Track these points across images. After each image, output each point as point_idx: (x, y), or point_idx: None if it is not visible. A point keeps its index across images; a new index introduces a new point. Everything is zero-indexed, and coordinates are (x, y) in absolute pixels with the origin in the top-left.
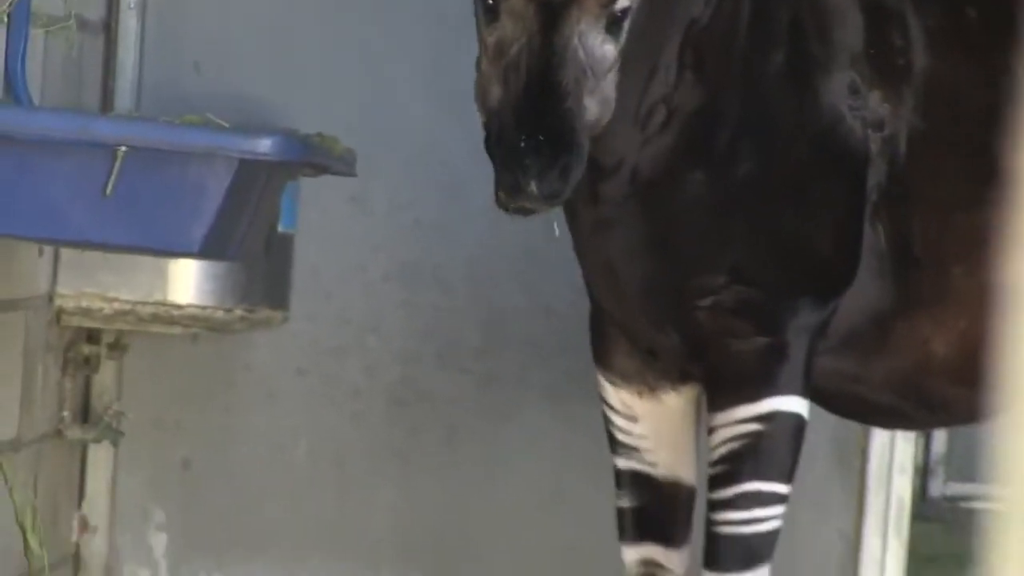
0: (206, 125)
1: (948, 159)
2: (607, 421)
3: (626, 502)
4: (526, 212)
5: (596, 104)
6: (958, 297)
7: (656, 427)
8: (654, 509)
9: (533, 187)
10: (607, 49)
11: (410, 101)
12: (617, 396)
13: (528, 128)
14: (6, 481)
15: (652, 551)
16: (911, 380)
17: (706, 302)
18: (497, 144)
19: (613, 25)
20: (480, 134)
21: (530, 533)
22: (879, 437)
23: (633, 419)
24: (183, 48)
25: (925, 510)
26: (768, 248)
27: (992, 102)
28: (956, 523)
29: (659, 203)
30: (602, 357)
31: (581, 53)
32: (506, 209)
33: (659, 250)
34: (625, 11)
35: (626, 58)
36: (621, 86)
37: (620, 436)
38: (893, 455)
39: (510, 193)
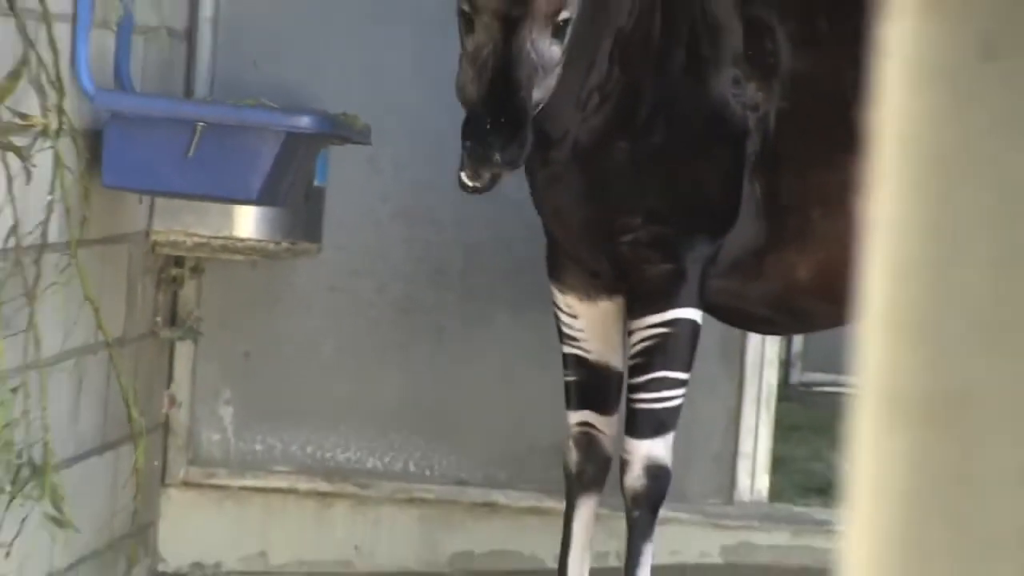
0: (261, 107)
1: (806, 132)
2: (557, 319)
3: (570, 378)
4: (481, 190)
5: (541, 93)
6: (816, 234)
7: (591, 323)
8: (590, 385)
9: (497, 157)
10: (554, 51)
11: (410, 89)
12: (563, 299)
13: (493, 113)
14: (115, 368)
15: (588, 416)
16: (781, 297)
17: (627, 238)
18: (469, 126)
19: (558, 32)
20: (459, 113)
21: (497, 404)
22: (754, 339)
23: (574, 317)
24: (244, 50)
25: (787, 393)
26: (673, 199)
27: (838, 89)
28: (809, 402)
29: (594, 164)
30: (553, 271)
31: (533, 55)
32: (466, 189)
33: (594, 199)
34: (567, 20)
35: (570, 56)
36: (566, 77)
37: (565, 328)
38: (764, 352)
39: (479, 162)
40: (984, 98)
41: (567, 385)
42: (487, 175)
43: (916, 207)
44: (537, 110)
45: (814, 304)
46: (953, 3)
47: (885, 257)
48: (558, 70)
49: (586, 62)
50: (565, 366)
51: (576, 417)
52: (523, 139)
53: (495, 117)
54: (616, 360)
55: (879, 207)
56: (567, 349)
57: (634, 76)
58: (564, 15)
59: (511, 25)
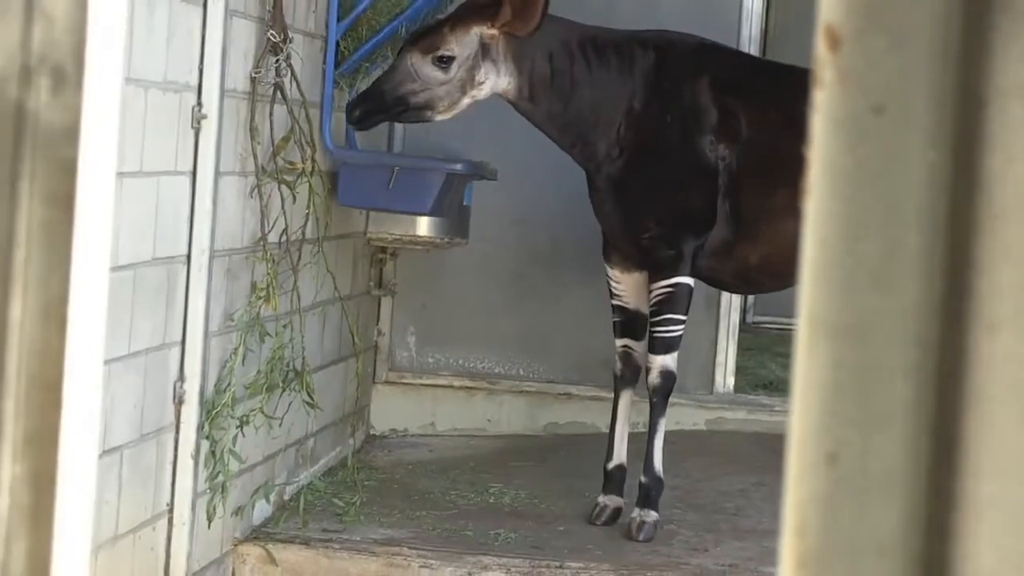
0: (432, 158)
1: (755, 173)
2: (608, 284)
3: (616, 319)
4: (359, 127)
5: (424, 95)
6: (761, 235)
7: (628, 286)
8: (628, 322)
9: (348, 116)
10: (436, 73)
11: (522, 149)
12: (612, 272)
13: (360, 94)
14: (345, 313)
15: (628, 342)
16: (740, 272)
17: (647, 235)
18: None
19: (440, 62)
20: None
21: (572, 334)
22: (725, 295)
23: (619, 282)
24: (423, 127)
25: (745, 328)
26: (675, 211)
27: (778, 151)
28: (758, 333)
29: (621, 189)
30: (606, 256)
31: (412, 71)
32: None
33: (625, 211)
34: (449, 57)
35: (596, 122)
36: (593, 137)
37: (613, 290)
38: (732, 301)
39: (347, 117)
40: (874, 138)
41: (614, 324)
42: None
43: (832, 205)
44: (433, 108)
45: (759, 277)
46: (856, 77)
47: (813, 235)
48: (448, 86)
49: (604, 125)
50: (613, 312)
51: (620, 343)
52: (366, 110)
53: (359, 96)
54: (644, 308)
55: (811, 205)
56: (614, 302)
57: (643, 138)
58: (441, 53)
59: (400, 53)
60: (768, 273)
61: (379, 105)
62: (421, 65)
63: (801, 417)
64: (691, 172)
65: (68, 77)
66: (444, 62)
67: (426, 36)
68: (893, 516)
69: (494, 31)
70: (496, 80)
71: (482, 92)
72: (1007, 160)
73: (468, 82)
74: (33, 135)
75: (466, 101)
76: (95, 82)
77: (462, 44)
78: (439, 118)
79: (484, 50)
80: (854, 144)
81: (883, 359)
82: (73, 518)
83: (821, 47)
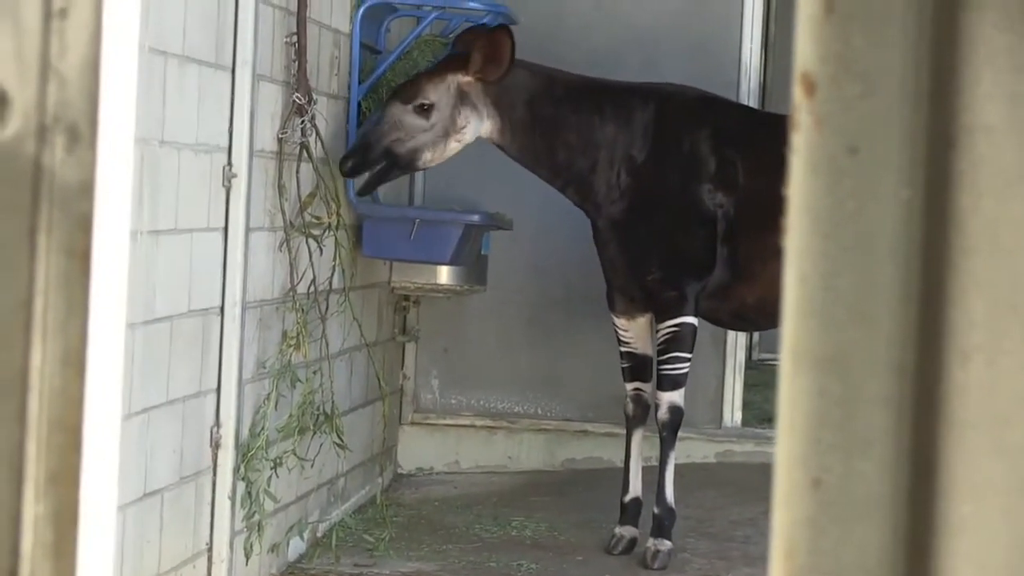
0: (451, 210)
1: (751, 219)
2: (615, 331)
3: (625, 365)
4: (360, 193)
5: (409, 144)
6: (757, 277)
7: (635, 333)
8: (637, 367)
9: (340, 168)
10: (418, 122)
11: (534, 201)
12: (618, 321)
13: (351, 148)
14: (371, 359)
15: (637, 384)
16: (738, 311)
17: (651, 277)
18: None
19: (420, 110)
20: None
21: (586, 373)
22: (731, 334)
23: (626, 330)
24: (441, 177)
25: (751, 364)
26: (675, 256)
27: (770, 194)
28: (763, 370)
29: (623, 232)
30: (610, 305)
31: (396, 122)
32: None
33: (628, 254)
34: (428, 105)
35: (592, 167)
36: (589, 180)
37: (620, 337)
38: (737, 340)
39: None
40: (850, 178)
41: (623, 369)
42: (358, 180)
43: (811, 242)
44: (415, 156)
45: (756, 316)
46: (831, 121)
47: (793, 271)
48: (428, 134)
49: (606, 171)
50: (621, 358)
51: (631, 386)
52: (353, 163)
53: (350, 149)
54: (650, 351)
55: (790, 242)
56: (622, 348)
57: (643, 185)
58: (420, 102)
59: (384, 106)
60: (764, 313)
61: (368, 156)
62: (403, 115)
63: (786, 444)
64: (690, 219)
65: (82, 135)
66: (424, 110)
67: (406, 88)
68: (876, 537)
69: (469, 78)
70: (478, 124)
71: (466, 136)
72: (976, 196)
73: (450, 127)
74: (50, 190)
75: (452, 145)
76: (108, 140)
77: (439, 92)
78: (426, 165)
79: (462, 96)
80: (831, 184)
81: (863, 388)
82: (95, 555)
83: (798, 93)
